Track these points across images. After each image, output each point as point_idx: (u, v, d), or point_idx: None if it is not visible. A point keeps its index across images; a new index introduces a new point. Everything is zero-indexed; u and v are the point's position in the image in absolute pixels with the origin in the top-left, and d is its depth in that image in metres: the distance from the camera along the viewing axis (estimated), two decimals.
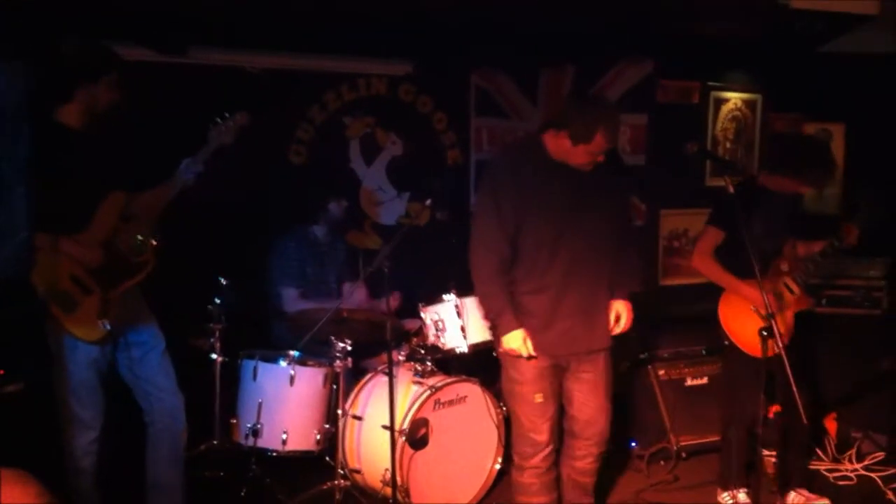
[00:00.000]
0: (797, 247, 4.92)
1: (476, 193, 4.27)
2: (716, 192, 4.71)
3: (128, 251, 4.05)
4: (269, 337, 5.57)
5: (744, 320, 4.63)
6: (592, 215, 4.14)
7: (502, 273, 4.08)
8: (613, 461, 5.58)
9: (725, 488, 5.00)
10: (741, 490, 4.95)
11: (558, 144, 4.03)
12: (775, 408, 4.91)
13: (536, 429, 4.20)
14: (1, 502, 2.37)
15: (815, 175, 4.76)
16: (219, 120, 4.17)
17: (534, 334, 4.10)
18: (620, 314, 4.33)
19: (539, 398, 4.17)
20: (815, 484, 5.21)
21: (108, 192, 4.02)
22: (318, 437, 4.86)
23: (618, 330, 4.35)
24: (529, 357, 4.10)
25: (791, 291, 4.80)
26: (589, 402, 4.29)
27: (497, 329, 4.17)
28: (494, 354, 4.40)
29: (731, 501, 4.96)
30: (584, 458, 4.39)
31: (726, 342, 4.77)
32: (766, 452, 5.15)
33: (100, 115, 4.04)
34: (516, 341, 4.06)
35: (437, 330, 5.12)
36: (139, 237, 4.07)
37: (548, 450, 4.25)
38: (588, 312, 4.19)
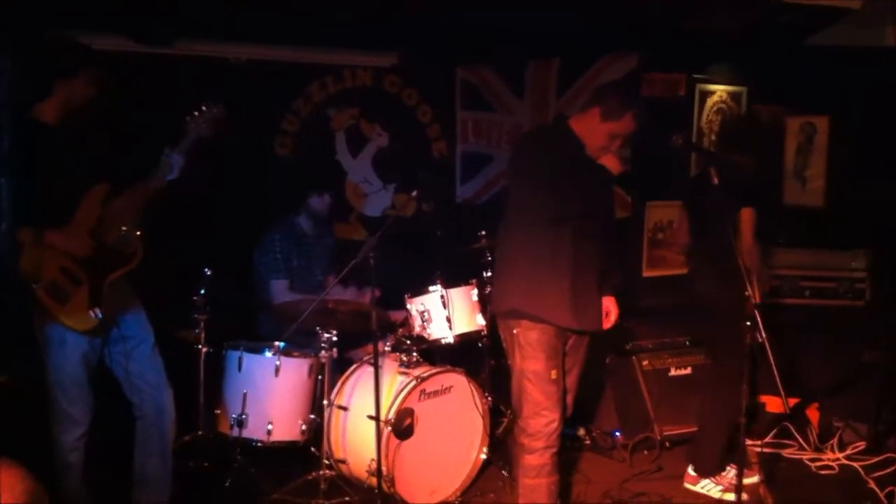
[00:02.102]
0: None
1: (524, 174, 4.28)
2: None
3: (114, 242, 4.06)
4: (255, 328, 5.58)
5: None
6: (601, 199, 4.27)
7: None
8: (597, 451, 5.66)
9: (709, 475, 5.04)
10: (721, 475, 5.02)
11: (584, 124, 4.15)
12: None
13: (552, 406, 4.21)
14: None
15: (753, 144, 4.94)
16: (195, 113, 4.18)
17: (556, 306, 4.13)
18: (610, 310, 4.45)
19: (554, 374, 4.21)
20: (795, 472, 5.28)
21: (90, 184, 4.02)
22: (304, 427, 4.87)
23: (607, 325, 4.45)
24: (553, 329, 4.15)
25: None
26: (566, 380, 4.36)
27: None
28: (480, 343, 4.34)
29: (717, 486, 5.01)
30: None
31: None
32: (748, 442, 5.20)
33: (77, 109, 4.05)
34: None
35: (422, 321, 5.15)
36: (123, 228, 4.07)
37: (560, 428, 4.27)
38: (593, 292, 4.25)
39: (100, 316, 3.95)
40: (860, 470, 5.41)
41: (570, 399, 4.44)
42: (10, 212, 4.07)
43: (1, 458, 2.52)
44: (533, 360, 4.21)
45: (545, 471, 4.28)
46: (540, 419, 4.22)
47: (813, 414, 5.85)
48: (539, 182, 4.10)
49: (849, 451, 5.59)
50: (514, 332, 4.25)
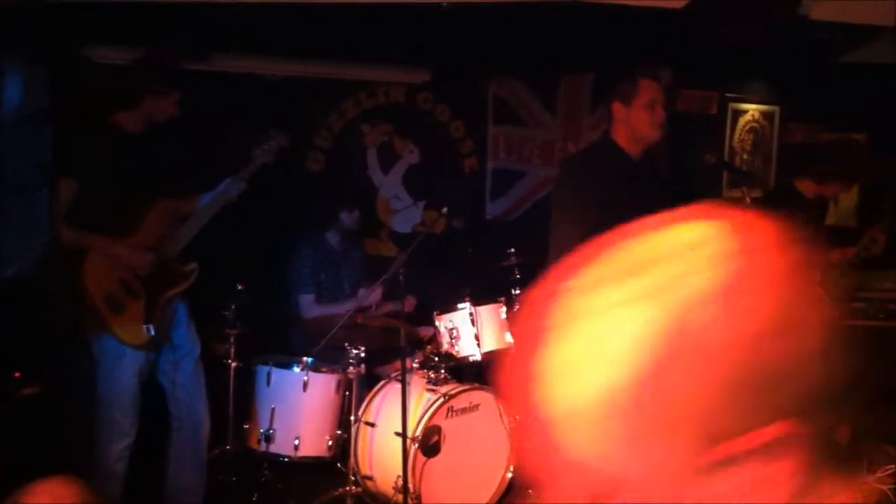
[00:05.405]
0: (830, 254, 4.89)
1: (556, 199, 4.24)
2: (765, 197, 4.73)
3: (172, 259, 4.13)
4: (284, 342, 5.62)
5: None
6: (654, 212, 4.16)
7: None
8: None
9: None
10: None
11: (620, 124, 4.08)
12: None
13: None
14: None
15: (849, 172, 4.80)
16: (262, 142, 4.27)
17: None
18: None
19: None
20: None
21: (157, 198, 4.09)
22: (331, 443, 4.89)
23: None
24: None
25: None
26: None
27: None
28: None
29: None
30: None
31: None
32: None
33: (157, 126, 4.13)
34: None
35: (451, 338, 5.15)
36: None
37: None
38: None
39: (152, 333, 4.02)
40: (889, 493, 5.35)
41: None
42: (50, 223, 4.15)
43: (59, 473, 2.56)
44: None
45: None
46: None
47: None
48: (568, 208, 4.07)
49: (878, 475, 5.53)
50: None
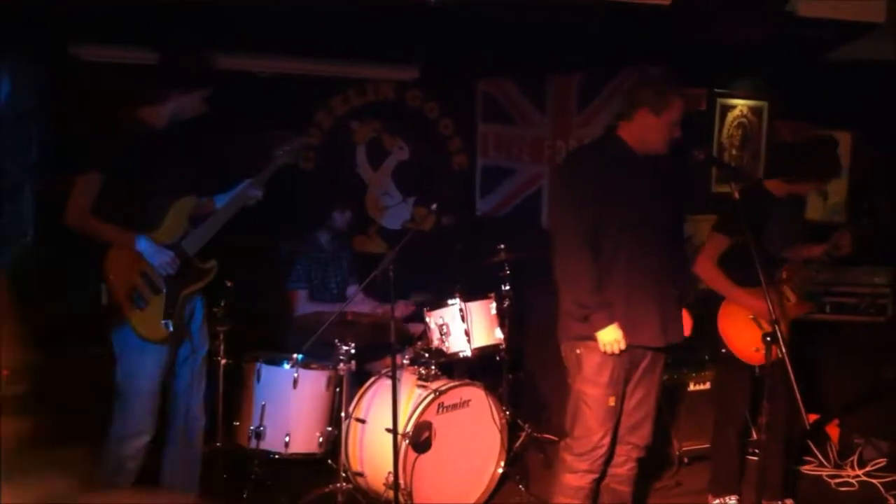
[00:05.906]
0: (799, 252, 4.91)
1: (558, 194, 4.25)
2: (724, 199, 4.74)
3: (193, 256, 4.12)
4: (274, 340, 5.60)
5: (741, 329, 4.64)
6: (666, 210, 4.20)
7: (595, 269, 4.02)
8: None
9: (718, 495, 5.00)
10: (732, 497, 4.96)
11: (638, 127, 4.08)
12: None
13: (605, 432, 4.14)
14: None
15: (817, 172, 4.81)
16: (283, 142, 4.27)
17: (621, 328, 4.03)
18: (685, 321, 4.40)
19: (612, 402, 4.11)
20: (815, 489, 5.25)
21: (179, 194, 4.08)
22: (321, 439, 4.88)
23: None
24: (620, 352, 4.01)
25: (787, 300, 4.79)
26: (642, 405, 4.27)
27: (589, 325, 4.03)
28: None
29: None
30: (623, 464, 4.33)
31: (723, 350, 4.76)
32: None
33: (181, 120, 4.11)
34: (614, 334, 3.98)
35: (441, 334, 5.16)
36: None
37: (606, 455, 4.20)
38: (666, 306, 4.16)
39: (171, 328, 3.99)
40: (880, 487, 5.38)
41: (648, 427, 4.32)
42: (35, 221, 4.12)
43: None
44: (592, 384, 4.11)
45: (581, 494, 4.20)
46: (588, 442, 4.15)
47: (833, 430, 5.81)
48: (568, 203, 4.09)
49: (869, 468, 5.56)
50: (578, 352, 4.14)
